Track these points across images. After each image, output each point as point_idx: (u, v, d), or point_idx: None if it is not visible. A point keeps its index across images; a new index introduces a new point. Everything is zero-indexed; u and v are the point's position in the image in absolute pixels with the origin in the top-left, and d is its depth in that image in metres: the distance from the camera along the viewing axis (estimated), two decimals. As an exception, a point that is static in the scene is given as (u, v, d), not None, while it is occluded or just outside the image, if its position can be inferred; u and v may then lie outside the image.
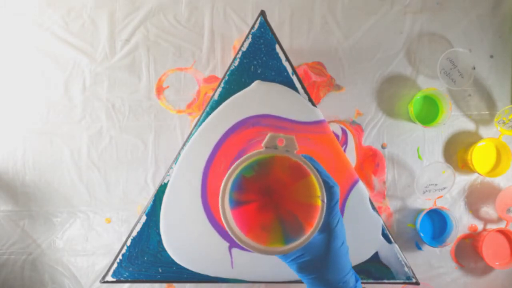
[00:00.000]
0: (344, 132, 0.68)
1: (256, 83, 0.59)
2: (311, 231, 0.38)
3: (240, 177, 0.39)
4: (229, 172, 0.38)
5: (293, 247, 0.38)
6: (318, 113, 0.59)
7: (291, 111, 0.59)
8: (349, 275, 0.42)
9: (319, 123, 0.59)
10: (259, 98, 0.59)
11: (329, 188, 0.40)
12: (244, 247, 0.38)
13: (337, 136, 0.68)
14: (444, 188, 0.66)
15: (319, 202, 0.38)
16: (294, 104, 0.59)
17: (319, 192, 0.38)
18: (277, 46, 0.59)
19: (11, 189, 0.70)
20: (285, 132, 0.58)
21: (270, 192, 0.39)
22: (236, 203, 0.38)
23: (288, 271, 0.58)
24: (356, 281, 0.43)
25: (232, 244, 0.58)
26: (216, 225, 0.58)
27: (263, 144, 0.39)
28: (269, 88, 0.59)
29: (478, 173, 0.66)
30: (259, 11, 0.60)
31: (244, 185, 0.39)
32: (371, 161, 0.68)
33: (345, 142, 0.68)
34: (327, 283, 0.41)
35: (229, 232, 0.38)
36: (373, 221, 0.59)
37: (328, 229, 0.41)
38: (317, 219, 0.38)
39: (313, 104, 0.60)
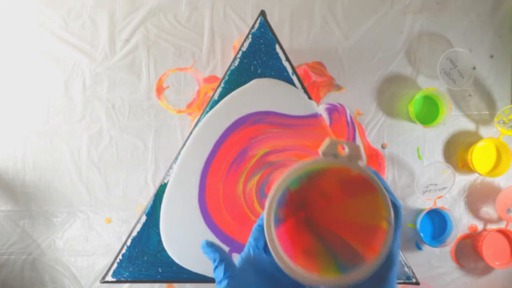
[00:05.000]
0: (352, 126, 0.68)
1: (253, 80, 0.59)
2: (376, 258, 0.31)
3: (285, 190, 0.32)
4: (276, 185, 0.31)
5: (355, 277, 0.31)
6: (314, 106, 0.59)
7: (289, 106, 0.59)
8: None
9: (315, 116, 0.59)
10: (257, 94, 0.59)
11: (396, 210, 0.33)
12: (299, 281, 0.30)
13: (347, 124, 0.67)
14: (444, 188, 0.66)
15: (383, 224, 0.32)
16: (292, 98, 0.59)
17: (384, 212, 0.32)
18: (277, 46, 0.59)
19: (11, 189, 0.70)
20: (284, 128, 0.58)
21: (309, 206, 0.33)
22: (277, 222, 0.31)
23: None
24: None
25: (233, 249, 0.58)
26: (215, 228, 0.58)
27: (320, 151, 0.33)
28: (266, 83, 0.59)
29: (478, 173, 0.66)
30: (259, 11, 0.60)
31: (288, 200, 0.32)
32: (374, 161, 0.68)
33: (353, 140, 0.67)
34: None
35: (280, 264, 0.30)
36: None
37: (390, 257, 0.34)
38: (383, 245, 0.31)
39: (309, 97, 0.59)
